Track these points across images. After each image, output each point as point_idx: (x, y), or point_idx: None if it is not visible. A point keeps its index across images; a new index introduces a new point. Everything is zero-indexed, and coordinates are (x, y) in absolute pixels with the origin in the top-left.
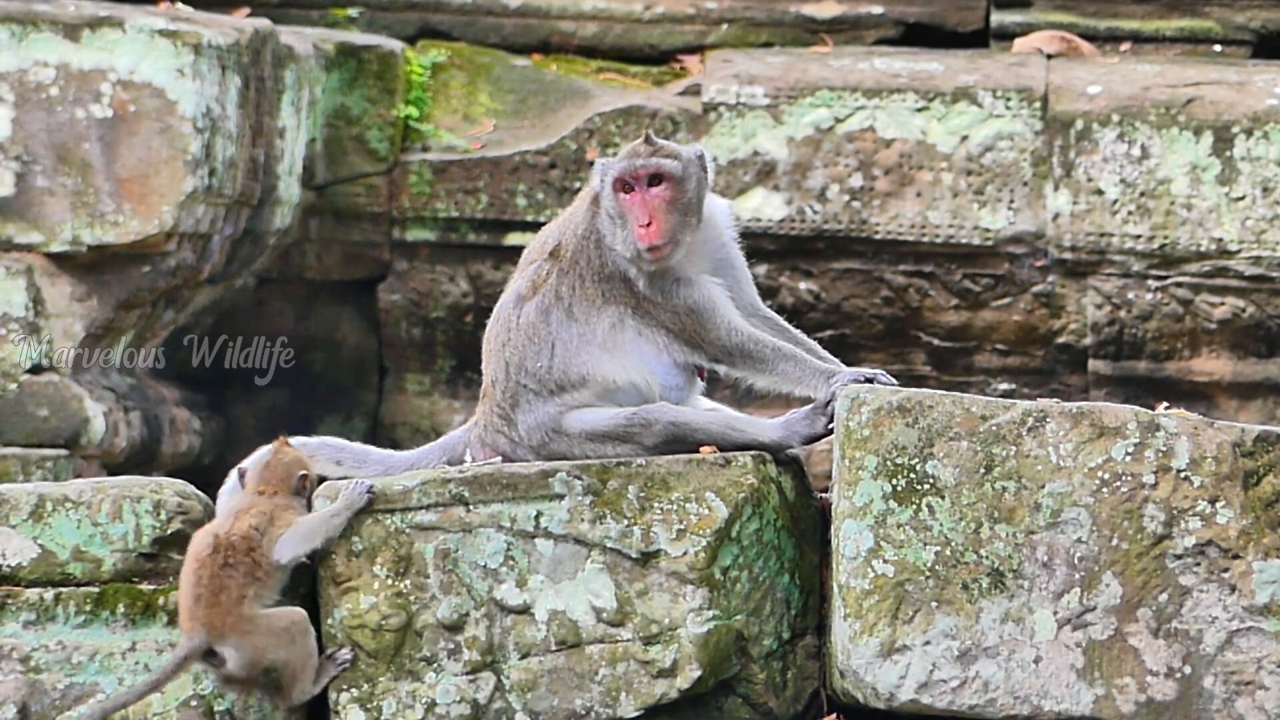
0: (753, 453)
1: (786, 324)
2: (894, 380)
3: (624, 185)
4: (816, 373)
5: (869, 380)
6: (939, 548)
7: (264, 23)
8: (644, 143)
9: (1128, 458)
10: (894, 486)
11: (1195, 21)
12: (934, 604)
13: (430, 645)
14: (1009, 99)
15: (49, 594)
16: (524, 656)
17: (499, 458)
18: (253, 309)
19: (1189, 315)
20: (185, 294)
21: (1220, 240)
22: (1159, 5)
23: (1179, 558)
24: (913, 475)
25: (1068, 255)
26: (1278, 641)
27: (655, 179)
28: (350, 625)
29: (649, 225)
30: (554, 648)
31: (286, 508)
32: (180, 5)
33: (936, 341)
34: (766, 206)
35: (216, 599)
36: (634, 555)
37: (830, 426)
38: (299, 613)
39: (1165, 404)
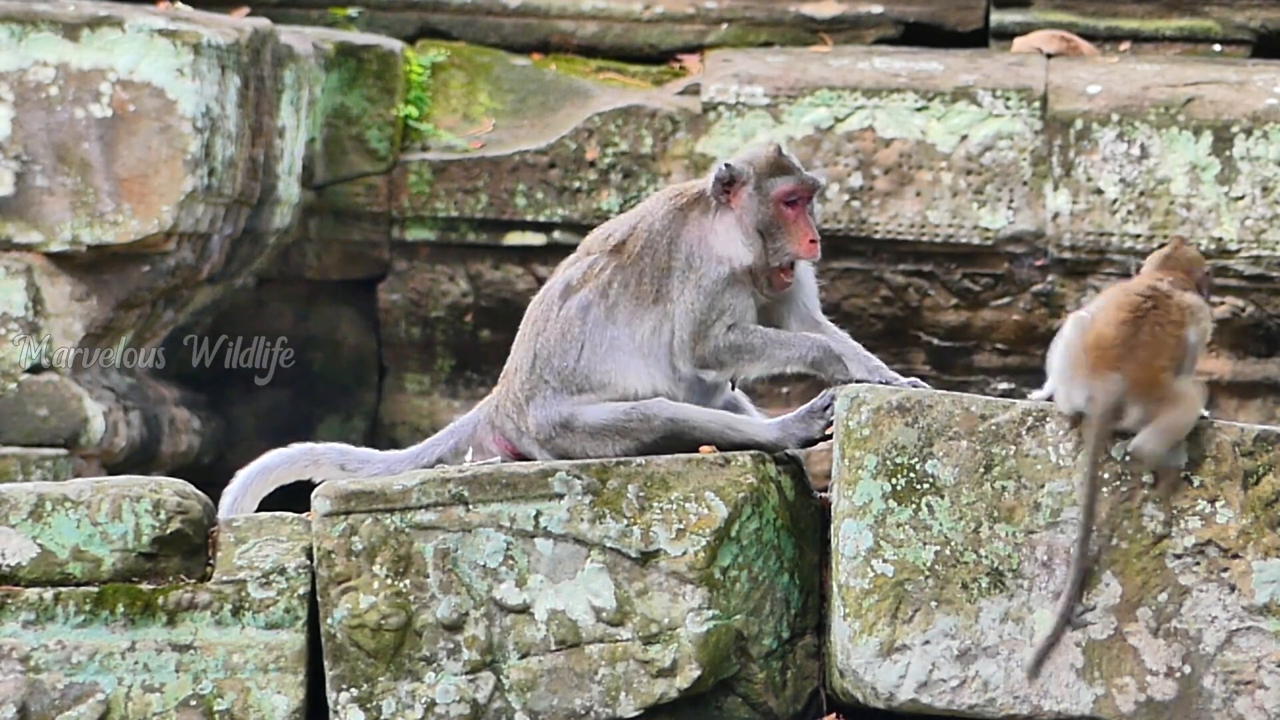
0: (752, 452)
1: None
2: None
3: (791, 199)
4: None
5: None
6: (939, 547)
7: (263, 22)
8: (779, 154)
9: (1127, 457)
10: (893, 486)
11: (1195, 21)
12: (933, 603)
13: (430, 645)
14: (1008, 99)
15: (49, 594)
16: (523, 656)
17: (499, 457)
18: (252, 309)
19: None
20: (185, 294)
21: (1220, 240)
22: (1159, 5)
23: (1178, 557)
24: (912, 475)
25: (1067, 255)
26: (1277, 641)
27: (815, 194)
28: (350, 625)
29: (818, 239)
30: (554, 647)
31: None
32: (180, 5)
33: (936, 341)
34: None
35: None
36: (633, 555)
37: (828, 428)
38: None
39: None
